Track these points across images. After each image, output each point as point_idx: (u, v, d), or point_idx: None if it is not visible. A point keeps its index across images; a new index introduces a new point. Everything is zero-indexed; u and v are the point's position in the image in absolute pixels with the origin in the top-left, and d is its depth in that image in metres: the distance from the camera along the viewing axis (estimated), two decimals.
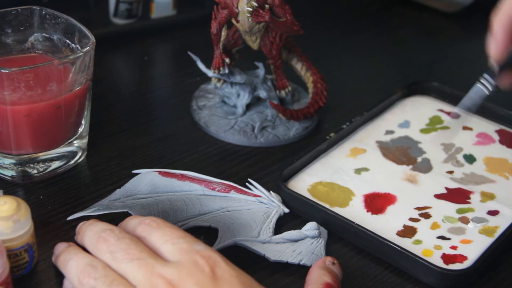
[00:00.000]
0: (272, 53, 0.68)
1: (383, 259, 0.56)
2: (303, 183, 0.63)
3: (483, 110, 0.72)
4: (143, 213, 0.57)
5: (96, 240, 0.48)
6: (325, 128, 0.71)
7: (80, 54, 0.58)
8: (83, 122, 0.62)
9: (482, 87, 0.58)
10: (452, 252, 0.57)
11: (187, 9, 0.88)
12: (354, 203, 0.61)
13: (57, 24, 0.62)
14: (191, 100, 0.73)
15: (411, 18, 0.95)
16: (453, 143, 0.69)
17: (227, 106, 0.72)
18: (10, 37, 0.62)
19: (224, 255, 0.47)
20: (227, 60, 0.68)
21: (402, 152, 0.67)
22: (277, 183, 0.61)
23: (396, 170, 0.65)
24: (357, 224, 0.57)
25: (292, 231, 0.57)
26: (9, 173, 0.61)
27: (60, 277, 0.50)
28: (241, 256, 0.53)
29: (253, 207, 0.59)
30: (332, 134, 0.67)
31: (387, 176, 0.64)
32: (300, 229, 0.57)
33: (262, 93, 0.70)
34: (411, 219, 0.60)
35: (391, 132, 0.70)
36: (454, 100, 0.73)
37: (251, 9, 0.62)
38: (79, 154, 0.64)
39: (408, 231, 0.58)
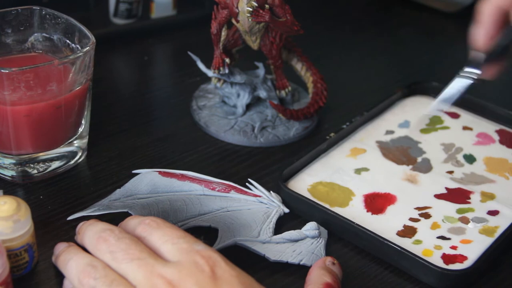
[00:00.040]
0: (272, 53, 0.68)
1: (383, 259, 0.56)
2: (303, 183, 0.63)
3: (483, 110, 0.72)
4: (143, 213, 0.57)
5: (96, 240, 0.48)
6: (325, 128, 0.71)
7: (80, 54, 0.58)
8: (83, 122, 0.62)
9: (465, 78, 0.57)
10: (452, 252, 0.56)
11: (187, 9, 0.88)
12: (354, 203, 0.61)
13: (57, 24, 0.62)
14: (191, 100, 0.73)
15: (411, 18, 0.95)
16: (453, 143, 0.69)
17: (227, 106, 0.72)
18: (10, 37, 0.62)
19: (224, 255, 0.47)
20: (227, 60, 0.68)
21: (402, 152, 0.67)
22: (277, 183, 0.61)
23: (396, 170, 0.65)
24: (357, 224, 0.57)
25: (292, 231, 0.57)
26: (9, 173, 0.61)
27: (60, 277, 0.50)
28: (241, 256, 0.53)
29: (253, 207, 0.59)
30: (332, 134, 0.67)
31: (387, 176, 0.64)
32: (300, 229, 0.57)
33: (262, 93, 0.70)
34: (411, 219, 0.60)
35: (391, 132, 0.70)
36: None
37: (251, 9, 0.62)
38: (79, 154, 0.64)
39: (408, 231, 0.58)
